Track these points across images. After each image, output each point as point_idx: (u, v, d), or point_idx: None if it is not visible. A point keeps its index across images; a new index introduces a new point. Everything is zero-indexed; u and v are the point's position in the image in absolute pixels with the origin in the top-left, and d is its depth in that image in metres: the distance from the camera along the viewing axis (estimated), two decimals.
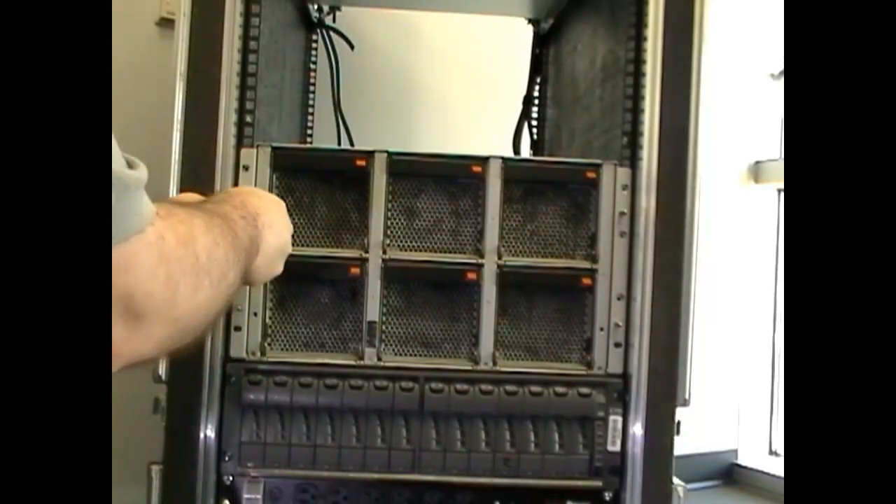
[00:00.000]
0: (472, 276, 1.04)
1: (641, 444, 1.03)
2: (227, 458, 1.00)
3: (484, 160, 1.05)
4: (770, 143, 2.16)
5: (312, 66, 1.57)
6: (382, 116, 1.75)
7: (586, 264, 1.06)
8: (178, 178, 0.97)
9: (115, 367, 0.51)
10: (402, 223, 1.05)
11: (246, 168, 1.02)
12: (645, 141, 1.03)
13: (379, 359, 1.03)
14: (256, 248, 0.75)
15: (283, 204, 0.87)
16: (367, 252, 1.03)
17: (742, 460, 2.07)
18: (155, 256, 0.52)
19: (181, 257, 0.55)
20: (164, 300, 0.52)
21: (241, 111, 1.02)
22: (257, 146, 1.03)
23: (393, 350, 1.05)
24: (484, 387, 1.03)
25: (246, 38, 1.03)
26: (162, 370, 0.97)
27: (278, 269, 0.86)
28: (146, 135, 0.99)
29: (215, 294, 0.59)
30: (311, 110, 1.56)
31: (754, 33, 2.05)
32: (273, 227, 0.80)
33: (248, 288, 1.01)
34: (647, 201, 1.03)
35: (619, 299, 1.05)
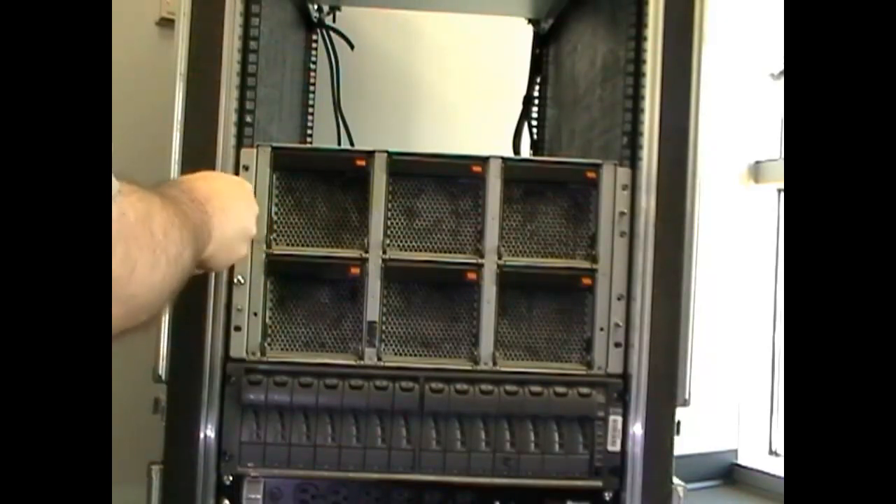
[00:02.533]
0: (472, 276, 1.04)
1: (641, 444, 1.03)
2: (227, 458, 1.00)
3: (484, 160, 1.05)
4: (770, 143, 2.16)
5: (312, 66, 1.57)
6: (382, 116, 1.75)
7: (586, 264, 1.06)
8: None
9: None
10: (402, 223, 1.05)
11: (246, 168, 1.02)
12: (645, 141, 1.03)
13: (379, 359, 1.03)
14: (208, 234, 0.74)
15: (244, 186, 0.85)
16: (367, 252, 1.03)
17: (742, 460, 2.07)
18: (113, 233, 0.51)
19: (138, 235, 0.55)
20: (120, 277, 0.52)
21: (241, 111, 1.02)
22: (257, 146, 1.03)
23: (393, 350, 1.05)
24: (484, 387, 1.03)
25: (246, 38, 1.03)
26: (162, 370, 0.97)
27: (241, 252, 0.85)
28: (146, 135, 0.99)
29: (172, 273, 0.59)
30: (311, 110, 1.56)
31: (754, 33, 2.05)
32: (228, 212, 0.78)
33: (248, 288, 1.01)
34: (647, 201, 1.03)
35: (619, 299, 1.05)
